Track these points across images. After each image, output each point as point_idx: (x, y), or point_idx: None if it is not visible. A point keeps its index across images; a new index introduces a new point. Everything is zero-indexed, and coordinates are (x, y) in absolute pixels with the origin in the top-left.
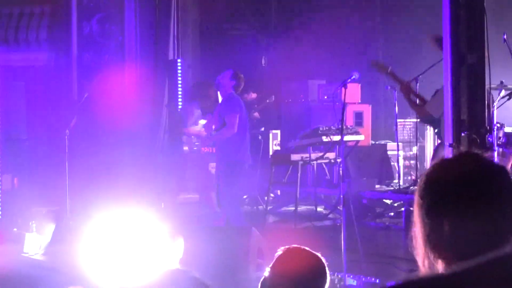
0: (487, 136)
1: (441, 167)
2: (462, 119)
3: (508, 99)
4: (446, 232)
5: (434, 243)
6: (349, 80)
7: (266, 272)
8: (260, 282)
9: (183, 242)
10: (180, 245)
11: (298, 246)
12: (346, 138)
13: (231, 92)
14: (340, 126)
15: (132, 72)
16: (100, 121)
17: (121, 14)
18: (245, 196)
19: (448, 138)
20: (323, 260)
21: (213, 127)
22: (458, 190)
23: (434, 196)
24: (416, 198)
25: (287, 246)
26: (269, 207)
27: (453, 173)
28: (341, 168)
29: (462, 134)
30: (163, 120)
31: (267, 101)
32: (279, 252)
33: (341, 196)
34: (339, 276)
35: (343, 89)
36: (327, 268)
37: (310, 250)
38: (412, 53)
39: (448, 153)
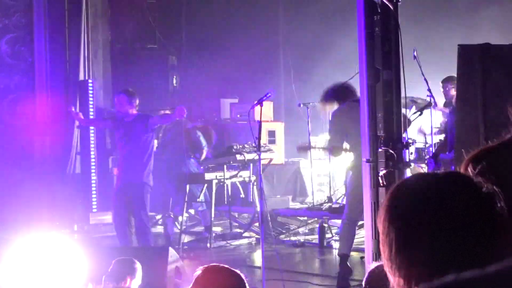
0: (404, 151)
1: (423, 180)
2: (378, 135)
3: (420, 115)
4: (423, 248)
5: (408, 258)
6: (265, 98)
7: None
8: None
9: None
10: (139, 271)
11: (217, 264)
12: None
13: (137, 112)
14: (255, 144)
15: (43, 93)
16: (11, 143)
17: (31, 35)
18: (158, 217)
19: (365, 154)
20: (243, 276)
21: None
22: (443, 207)
23: (413, 210)
24: (388, 208)
25: (205, 266)
26: (183, 227)
27: (438, 189)
28: (254, 186)
29: (379, 150)
30: (74, 142)
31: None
32: (198, 272)
33: (260, 213)
34: None
35: (258, 107)
36: (247, 285)
37: (229, 268)
38: (324, 72)
39: (365, 168)
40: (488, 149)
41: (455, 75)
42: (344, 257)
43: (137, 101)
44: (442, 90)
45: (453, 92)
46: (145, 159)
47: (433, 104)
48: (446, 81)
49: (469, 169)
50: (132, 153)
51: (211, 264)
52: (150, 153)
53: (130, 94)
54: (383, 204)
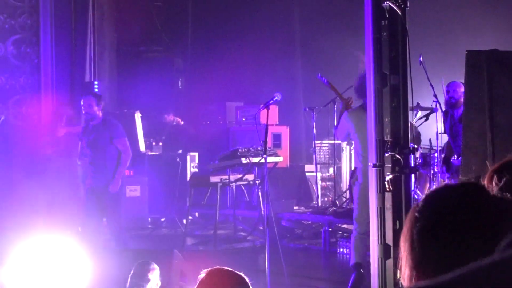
0: (410, 156)
1: (446, 192)
2: (385, 139)
3: (425, 120)
4: (437, 261)
5: (424, 270)
6: (271, 101)
7: None
8: None
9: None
10: (156, 275)
11: (221, 267)
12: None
13: (103, 115)
14: (261, 148)
15: (49, 94)
16: (16, 144)
17: (37, 36)
18: (163, 219)
19: (372, 159)
20: (247, 279)
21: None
22: (460, 219)
23: (432, 220)
24: (411, 218)
25: (209, 268)
26: (187, 230)
27: (458, 201)
28: (259, 190)
29: (386, 155)
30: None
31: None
32: (202, 274)
33: (265, 216)
34: None
35: (264, 110)
36: (251, 287)
37: (233, 270)
38: (330, 75)
39: (371, 173)
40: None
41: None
42: (358, 265)
43: (103, 104)
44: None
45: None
46: (113, 163)
47: (439, 109)
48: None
49: (494, 181)
50: (100, 158)
51: (215, 267)
52: (118, 156)
53: (97, 97)
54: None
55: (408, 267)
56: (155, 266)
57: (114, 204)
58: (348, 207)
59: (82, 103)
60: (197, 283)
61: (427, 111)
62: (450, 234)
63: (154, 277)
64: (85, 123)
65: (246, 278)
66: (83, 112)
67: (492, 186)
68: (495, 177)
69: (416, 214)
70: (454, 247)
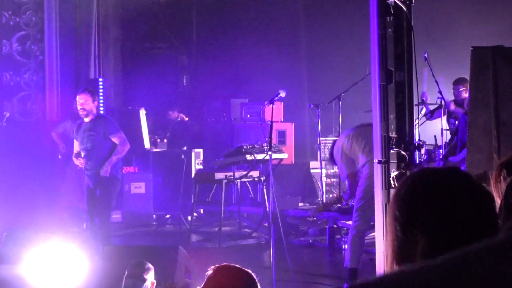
0: (415, 153)
1: (423, 178)
2: (391, 136)
3: (430, 117)
4: (419, 248)
5: (404, 258)
6: (276, 98)
7: None
8: None
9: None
10: (152, 272)
11: (228, 264)
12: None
13: (97, 111)
14: (266, 144)
15: (53, 91)
16: (20, 140)
17: (42, 33)
18: (168, 216)
19: (377, 155)
20: (254, 276)
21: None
22: (438, 205)
23: (411, 209)
24: (391, 207)
25: (216, 265)
26: (192, 226)
27: (435, 186)
28: (264, 186)
29: (391, 151)
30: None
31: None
32: (209, 271)
33: (270, 213)
34: None
35: (269, 107)
36: (258, 284)
37: (240, 267)
38: (334, 73)
39: (377, 170)
40: None
41: (467, 77)
42: (354, 271)
43: (98, 100)
44: (453, 91)
45: (464, 94)
46: (107, 155)
47: (443, 105)
48: (457, 83)
49: (502, 175)
50: (94, 155)
51: (223, 264)
52: (112, 149)
53: (93, 93)
54: (395, 189)
55: (390, 258)
56: (150, 266)
57: (105, 201)
58: (353, 204)
59: (78, 99)
60: (205, 280)
61: (432, 108)
62: (430, 226)
63: (150, 277)
64: (79, 121)
65: (254, 275)
66: (79, 109)
67: (500, 179)
68: (503, 171)
69: (395, 206)
70: (435, 240)
